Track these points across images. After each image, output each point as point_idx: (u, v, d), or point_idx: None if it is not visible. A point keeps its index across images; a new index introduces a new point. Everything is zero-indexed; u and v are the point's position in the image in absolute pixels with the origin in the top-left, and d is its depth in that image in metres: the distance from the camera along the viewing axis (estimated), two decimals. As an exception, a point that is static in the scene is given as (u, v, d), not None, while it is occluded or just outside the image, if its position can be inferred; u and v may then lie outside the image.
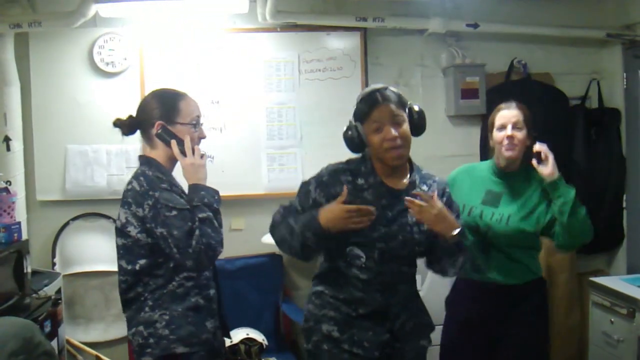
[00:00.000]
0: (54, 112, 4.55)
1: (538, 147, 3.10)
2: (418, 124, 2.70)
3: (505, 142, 3.13)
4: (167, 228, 2.51)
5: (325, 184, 2.70)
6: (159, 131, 2.69)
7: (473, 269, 3.16)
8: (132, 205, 2.61)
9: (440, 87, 4.96)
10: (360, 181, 2.69)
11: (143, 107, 2.79)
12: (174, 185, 2.64)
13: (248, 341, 4.19)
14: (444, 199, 2.73)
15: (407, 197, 2.57)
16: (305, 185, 2.78)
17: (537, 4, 4.91)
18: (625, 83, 4.86)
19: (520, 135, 3.12)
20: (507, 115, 3.16)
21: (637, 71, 4.75)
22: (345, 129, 2.72)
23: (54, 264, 4.56)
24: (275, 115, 4.72)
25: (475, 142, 4.92)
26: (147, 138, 2.78)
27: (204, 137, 2.77)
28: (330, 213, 2.52)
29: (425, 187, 2.74)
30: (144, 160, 2.76)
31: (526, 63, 4.92)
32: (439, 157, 4.71)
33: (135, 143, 4.56)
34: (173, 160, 2.74)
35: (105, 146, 4.58)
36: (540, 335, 3.26)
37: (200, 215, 2.54)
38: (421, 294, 4.13)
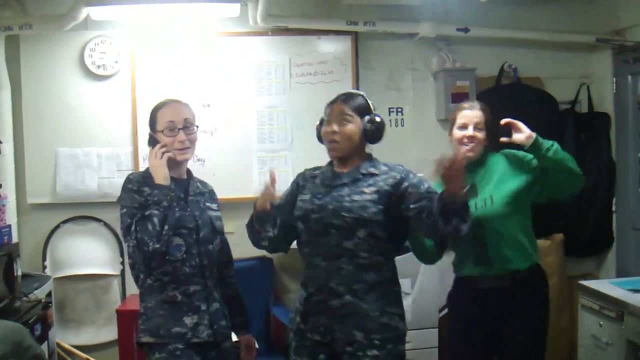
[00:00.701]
0: (44, 115, 4.55)
1: (504, 121, 3.15)
2: (371, 133, 2.91)
3: (466, 141, 3.19)
4: (120, 224, 2.81)
5: (297, 178, 3.11)
6: (148, 140, 2.99)
7: (477, 263, 3.19)
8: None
9: (430, 91, 4.97)
10: (317, 171, 3.05)
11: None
12: (145, 186, 2.84)
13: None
14: (394, 174, 2.88)
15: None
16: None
17: (527, 9, 4.93)
18: (614, 88, 4.88)
19: (480, 135, 3.19)
20: (470, 115, 3.21)
21: (626, 76, 4.78)
22: (319, 121, 3.03)
23: (44, 267, 4.55)
24: (266, 118, 4.73)
25: (465, 146, 4.93)
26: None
27: (183, 140, 2.92)
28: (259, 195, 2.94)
29: (371, 169, 2.91)
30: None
31: (516, 67, 4.94)
32: (430, 161, 4.66)
33: (125, 146, 4.59)
34: (169, 164, 2.90)
35: (96, 149, 4.59)
36: (544, 328, 3.31)
37: (144, 213, 2.75)
38: (411, 297, 4.18)
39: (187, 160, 2.99)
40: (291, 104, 4.72)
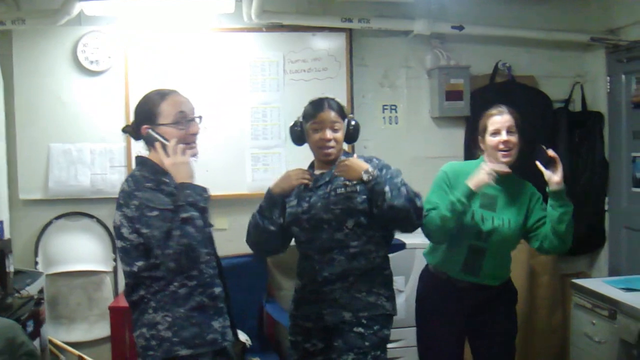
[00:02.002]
0: (37, 110, 4.52)
1: (552, 153, 3.13)
2: (351, 134, 3.17)
3: (502, 146, 3.17)
4: (149, 229, 2.48)
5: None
6: (146, 134, 2.67)
7: (465, 269, 3.24)
8: (123, 207, 2.57)
9: (424, 88, 4.97)
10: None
11: (134, 113, 2.75)
12: (162, 184, 2.60)
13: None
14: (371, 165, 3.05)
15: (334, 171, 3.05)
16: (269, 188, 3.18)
17: (522, 7, 4.93)
18: (608, 87, 4.89)
19: (514, 139, 3.19)
20: (501, 120, 3.21)
21: (620, 75, 4.78)
22: (292, 123, 3.20)
23: (36, 263, 4.53)
24: (259, 115, 4.72)
25: (459, 143, 4.94)
26: (144, 142, 2.75)
27: (195, 132, 2.71)
28: (279, 179, 3.12)
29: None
30: (138, 160, 2.73)
31: (510, 66, 4.95)
32: (423, 158, 4.74)
33: (119, 142, 4.57)
34: None
35: (89, 145, 4.57)
36: (515, 323, 3.41)
37: (183, 215, 2.47)
38: (404, 295, 4.18)
39: (195, 155, 2.74)
40: (285, 100, 4.71)
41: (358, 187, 2.99)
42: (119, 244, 2.63)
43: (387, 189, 2.90)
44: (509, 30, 4.87)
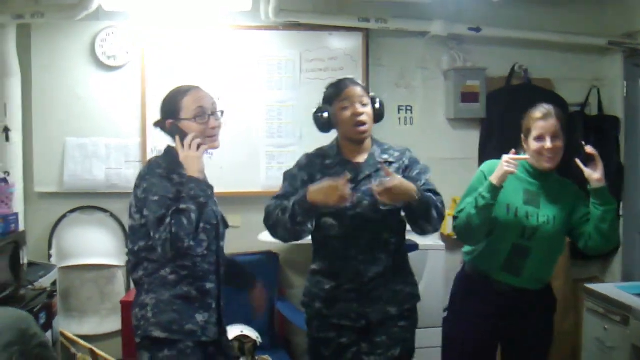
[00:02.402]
0: (54, 104, 4.56)
1: (591, 149, 3.06)
2: (379, 112, 3.00)
3: (546, 153, 3.09)
4: (149, 212, 2.60)
5: (306, 165, 3.01)
6: (170, 129, 2.78)
7: (506, 269, 3.16)
8: (137, 188, 2.70)
9: (440, 89, 4.96)
10: (328, 161, 2.99)
11: (160, 108, 2.86)
12: (173, 174, 2.69)
13: (242, 338, 4.19)
14: (404, 160, 3.00)
15: (370, 187, 2.76)
16: (288, 172, 3.04)
17: (539, 10, 4.91)
18: (625, 91, 4.87)
19: (559, 143, 3.10)
20: (546, 126, 3.08)
21: (637, 80, 4.77)
22: (315, 110, 3.01)
23: (50, 256, 4.56)
24: (275, 113, 4.73)
25: (474, 145, 4.93)
26: (168, 135, 2.85)
27: (214, 127, 2.80)
28: (317, 187, 2.71)
29: (386, 156, 2.99)
30: (166, 149, 2.85)
31: (527, 68, 4.93)
32: (438, 160, 4.71)
33: (134, 137, 4.59)
34: None
35: (105, 140, 4.59)
36: (550, 333, 3.31)
37: (181, 207, 2.57)
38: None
39: (216, 148, 2.85)
40: (301, 99, 4.71)
41: None
42: (129, 222, 2.77)
43: (434, 213, 2.80)
44: (526, 33, 4.85)
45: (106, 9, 4.34)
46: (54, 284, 4.08)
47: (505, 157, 3.02)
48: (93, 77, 4.59)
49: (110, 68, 4.59)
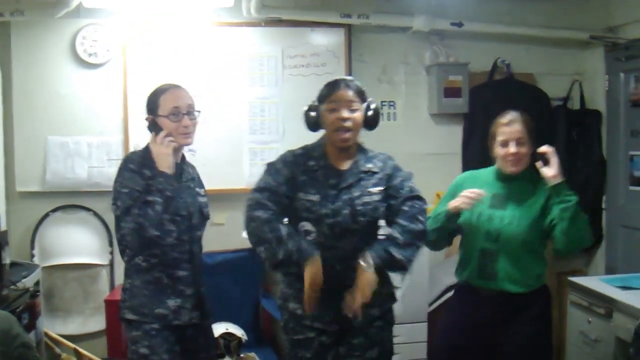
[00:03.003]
0: (35, 103, 4.52)
1: (544, 148, 3.08)
2: (371, 119, 2.93)
3: (510, 158, 3.12)
4: (120, 203, 2.81)
5: (291, 162, 2.92)
6: (149, 124, 2.98)
7: (481, 275, 3.17)
8: (115, 181, 2.90)
9: (423, 85, 4.97)
10: (312, 163, 2.92)
11: (145, 104, 3.02)
12: (144, 168, 2.86)
13: (227, 336, 4.19)
14: (387, 169, 2.93)
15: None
16: (272, 165, 2.94)
17: (521, 4, 4.93)
18: (606, 85, 4.89)
19: (524, 150, 3.11)
20: (509, 131, 3.11)
21: (618, 73, 4.78)
22: (306, 108, 2.96)
23: (32, 256, 4.53)
24: (257, 109, 4.72)
25: (457, 140, 4.95)
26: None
27: (188, 125, 2.94)
28: (313, 275, 2.68)
29: (370, 165, 2.93)
30: (146, 145, 3.00)
31: (509, 63, 4.95)
32: (421, 155, 4.74)
33: (116, 135, 4.57)
34: None
35: (87, 138, 4.56)
36: (542, 343, 3.21)
37: (148, 198, 2.79)
38: (401, 291, 4.17)
39: (188, 144, 3.03)
40: (283, 95, 4.71)
41: (381, 196, 2.87)
42: (113, 211, 2.93)
43: (414, 253, 2.79)
44: (508, 28, 4.87)
45: (87, 5, 4.31)
46: (37, 283, 4.04)
47: (465, 192, 3.05)
48: (74, 75, 4.56)
49: (91, 65, 4.56)
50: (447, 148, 4.89)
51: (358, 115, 2.86)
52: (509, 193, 3.19)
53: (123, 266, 3.02)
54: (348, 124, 2.83)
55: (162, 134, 2.89)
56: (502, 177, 3.21)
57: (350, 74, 4.72)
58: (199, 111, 3.01)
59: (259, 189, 2.85)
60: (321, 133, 2.98)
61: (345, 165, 2.92)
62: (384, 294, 2.95)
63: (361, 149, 2.99)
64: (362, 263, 2.70)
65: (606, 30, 4.84)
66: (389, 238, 2.78)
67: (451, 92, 4.79)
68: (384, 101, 4.93)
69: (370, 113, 2.91)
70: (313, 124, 2.95)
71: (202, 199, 3.10)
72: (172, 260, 2.91)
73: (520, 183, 3.19)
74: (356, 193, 2.85)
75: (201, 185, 3.17)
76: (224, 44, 4.66)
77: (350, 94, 2.85)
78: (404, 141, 4.85)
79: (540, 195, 3.17)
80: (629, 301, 3.34)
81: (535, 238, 3.16)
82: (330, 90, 2.88)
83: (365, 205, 2.83)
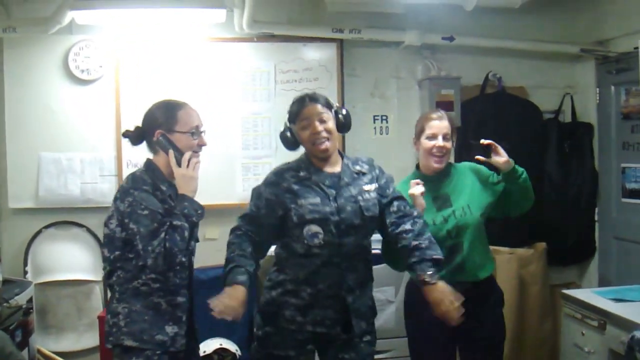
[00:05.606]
0: (27, 119, 4.52)
1: (484, 141, 3.20)
2: (343, 123, 3.01)
3: (435, 151, 3.22)
4: (137, 225, 2.65)
5: (273, 182, 2.96)
6: (159, 138, 2.80)
7: (452, 271, 3.17)
8: (118, 200, 2.74)
9: (415, 99, 4.98)
10: (303, 173, 2.96)
11: (147, 117, 2.88)
12: (157, 190, 2.75)
13: (221, 351, 4.18)
14: (376, 170, 3.05)
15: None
16: (256, 189, 3.02)
17: (512, 19, 4.94)
18: (598, 98, 4.92)
19: (449, 145, 3.25)
20: (439, 125, 3.25)
21: (609, 86, 4.81)
22: (281, 130, 3.05)
23: (25, 273, 4.51)
24: (250, 124, 4.73)
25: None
26: (150, 146, 2.88)
27: (204, 145, 2.91)
28: (226, 299, 2.82)
29: (358, 167, 3.02)
30: (146, 162, 2.87)
31: (501, 76, 4.96)
32: (413, 169, 4.73)
33: (109, 151, 4.56)
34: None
35: (80, 154, 4.56)
36: (500, 327, 3.38)
37: (175, 222, 2.66)
38: (394, 305, 4.18)
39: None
40: (276, 110, 4.71)
41: (376, 194, 2.97)
42: (104, 230, 2.79)
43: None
44: (500, 42, 4.90)
45: (79, 22, 4.32)
46: (30, 300, 4.03)
47: (412, 183, 3.17)
48: (67, 91, 4.56)
49: (84, 82, 4.56)
50: (440, 162, 4.90)
51: (330, 124, 2.94)
52: (445, 188, 3.30)
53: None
54: (324, 134, 2.90)
55: (187, 155, 2.79)
56: (430, 178, 3.29)
57: (342, 89, 4.76)
58: (204, 130, 2.94)
59: (241, 216, 2.98)
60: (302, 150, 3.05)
61: (336, 168, 2.99)
62: (370, 307, 3.04)
63: (344, 156, 3.09)
64: (426, 280, 2.80)
65: (597, 44, 4.86)
66: (414, 249, 2.88)
67: (443, 105, 4.77)
68: (377, 115, 4.95)
69: (341, 117, 3.00)
70: (291, 144, 3.03)
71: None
72: (173, 285, 2.81)
73: (451, 174, 3.34)
74: (355, 191, 2.93)
75: None
76: (217, 59, 4.67)
77: (318, 107, 2.93)
78: (397, 155, 4.84)
79: (471, 177, 3.32)
80: (622, 313, 3.35)
81: (483, 219, 3.29)
82: (298, 108, 2.97)
83: (366, 201, 2.92)
